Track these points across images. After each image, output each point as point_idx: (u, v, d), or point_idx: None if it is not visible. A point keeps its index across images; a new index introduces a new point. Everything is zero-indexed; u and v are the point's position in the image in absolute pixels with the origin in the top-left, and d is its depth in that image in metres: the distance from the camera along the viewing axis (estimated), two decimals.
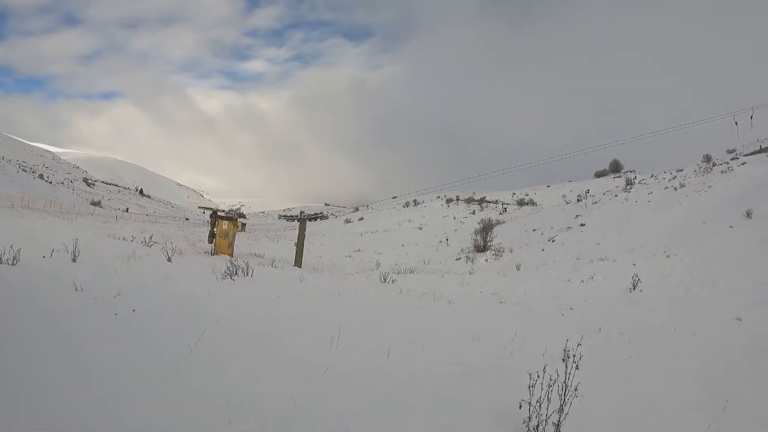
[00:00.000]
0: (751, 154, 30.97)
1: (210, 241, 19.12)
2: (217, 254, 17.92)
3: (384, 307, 9.04)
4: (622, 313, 10.02)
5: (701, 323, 8.89)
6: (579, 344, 3.77)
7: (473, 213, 52.74)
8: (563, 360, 3.35)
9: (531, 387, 3.18)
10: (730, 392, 4.77)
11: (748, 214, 16.58)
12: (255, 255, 20.57)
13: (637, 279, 13.13)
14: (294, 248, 20.03)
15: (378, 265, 21.91)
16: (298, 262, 18.94)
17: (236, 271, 10.82)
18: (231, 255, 18.02)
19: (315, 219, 61.71)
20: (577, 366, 3.31)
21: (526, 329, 7.21)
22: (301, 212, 23.80)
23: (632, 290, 12.84)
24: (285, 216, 78.74)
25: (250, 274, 11.07)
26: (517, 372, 4.00)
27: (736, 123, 23.84)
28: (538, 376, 3.20)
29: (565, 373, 3.27)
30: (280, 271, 14.88)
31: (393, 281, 13.80)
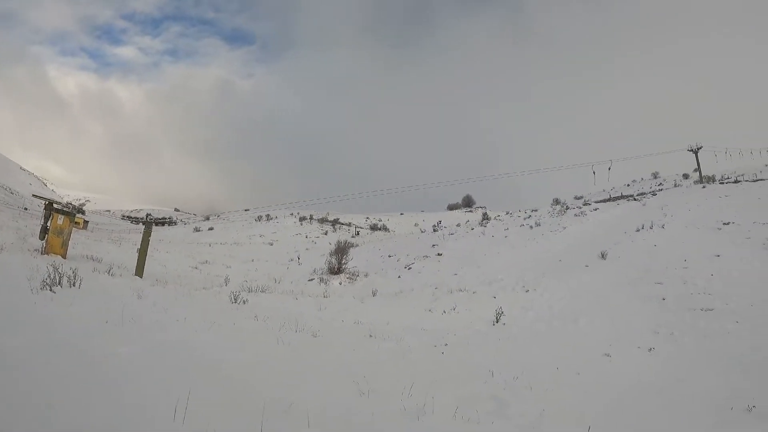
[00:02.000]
0: (602, 201, 35.08)
1: (41, 238, 17.39)
2: (48, 253, 16.37)
3: (241, 342, 7.34)
4: (498, 351, 9.86)
5: (578, 361, 9.08)
6: None
7: (326, 233, 53.14)
8: None
9: None
10: None
11: (603, 256, 18.11)
12: (92, 259, 19.21)
13: (500, 312, 13.23)
14: (137, 254, 18.97)
15: (227, 280, 21.21)
16: (139, 271, 17.95)
17: (60, 280, 8.89)
18: (64, 256, 16.80)
19: (162, 224, 57.83)
20: None
21: (415, 375, 6.27)
22: (148, 215, 21.75)
23: (495, 323, 12.95)
24: (129, 217, 71.94)
25: (77, 284, 9.25)
26: None
27: (594, 172, 27.05)
28: None
29: None
30: (118, 281, 13.34)
31: (245, 302, 12.83)
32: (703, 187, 31.99)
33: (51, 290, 8.35)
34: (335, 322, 11.94)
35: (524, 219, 32.58)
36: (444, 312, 14.62)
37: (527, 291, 16.36)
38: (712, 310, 11.42)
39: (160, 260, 27.11)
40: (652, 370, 8.43)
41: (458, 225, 40.28)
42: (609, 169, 26.54)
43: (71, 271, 9.58)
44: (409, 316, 14.07)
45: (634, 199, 32.16)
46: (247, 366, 5.57)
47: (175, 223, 60.06)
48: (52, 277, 8.82)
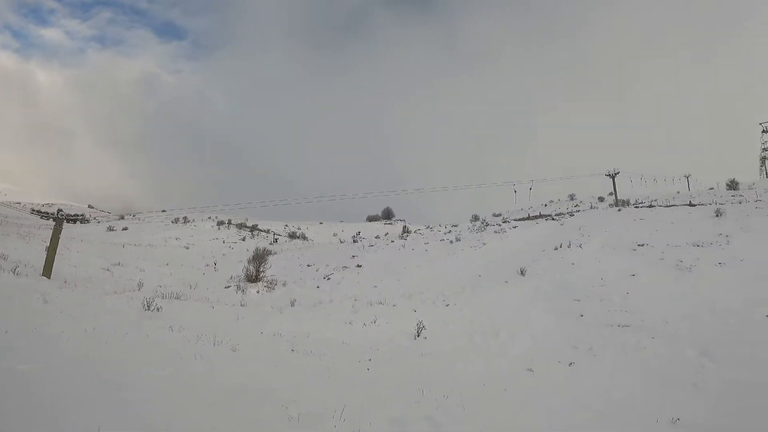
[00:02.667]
0: (521, 219, 36.25)
1: None
2: None
3: (155, 358, 6.59)
4: (423, 366, 9.75)
5: (502, 376, 9.16)
6: None
7: (243, 239, 51.94)
8: None
9: None
10: None
11: (522, 272, 18.63)
12: None
13: (421, 326, 13.11)
14: (46, 252, 18.88)
15: (140, 285, 20.74)
16: (47, 271, 17.77)
17: None
18: None
19: (74, 221, 54.07)
20: None
21: (344, 395, 5.93)
22: (59, 210, 20.32)
23: (417, 337, 12.81)
24: (40, 212, 67.12)
25: None
26: None
27: (515, 191, 28.12)
28: None
29: None
30: (23, 282, 12.90)
31: (159, 309, 12.23)
32: (619, 210, 33.93)
33: None
34: (254, 334, 11.34)
35: (444, 234, 33.06)
36: (364, 325, 14.31)
37: (448, 305, 16.40)
38: (628, 326, 11.92)
39: (70, 260, 26.20)
40: (574, 385, 8.61)
41: (378, 237, 40.34)
42: (530, 189, 27.81)
43: None
44: (329, 328, 13.67)
45: (553, 219, 33.52)
46: (162, 389, 4.97)
47: (89, 221, 56.87)
48: None
